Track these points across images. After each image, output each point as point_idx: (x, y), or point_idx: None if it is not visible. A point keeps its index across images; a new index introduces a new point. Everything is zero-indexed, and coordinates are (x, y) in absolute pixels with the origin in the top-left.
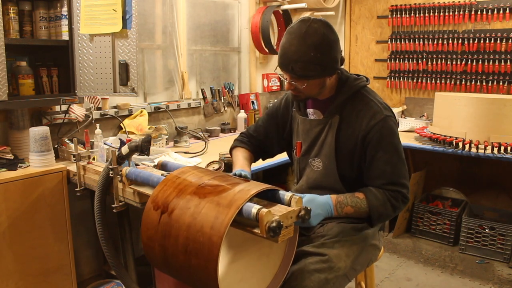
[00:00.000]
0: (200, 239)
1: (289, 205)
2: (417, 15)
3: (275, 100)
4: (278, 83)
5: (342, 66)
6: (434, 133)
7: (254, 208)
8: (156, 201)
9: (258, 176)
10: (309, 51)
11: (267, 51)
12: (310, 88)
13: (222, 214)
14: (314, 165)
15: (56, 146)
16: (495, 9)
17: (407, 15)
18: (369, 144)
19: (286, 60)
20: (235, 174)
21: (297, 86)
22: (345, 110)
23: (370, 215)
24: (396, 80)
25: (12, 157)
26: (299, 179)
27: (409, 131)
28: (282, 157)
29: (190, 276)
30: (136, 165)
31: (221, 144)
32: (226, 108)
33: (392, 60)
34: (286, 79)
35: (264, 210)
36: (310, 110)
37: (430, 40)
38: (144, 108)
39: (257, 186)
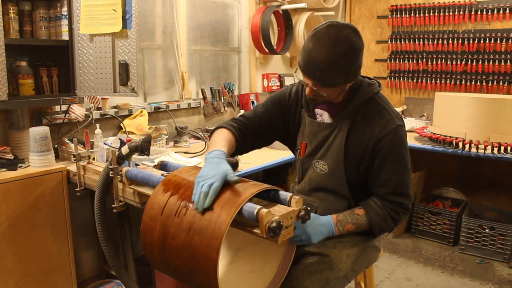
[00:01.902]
0: (200, 240)
1: (289, 205)
2: (417, 15)
3: (281, 88)
4: (278, 83)
5: None
6: (434, 133)
7: (254, 208)
8: (155, 201)
9: (258, 176)
10: (339, 60)
11: (267, 51)
12: (332, 95)
13: (221, 214)
14: (317, 167)
15: (56, 146)
16: (495, 9)
17: (407, 15)
18: (379, 152)
19: (313, 67)
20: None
21: (318, 92)
22: (356, 116)
23: (371, 230)
24: (396, 80)
25: (12, 157)
26: (300, 180)
27: (409, 131)
28: (282, 157)
29: (190, 274)
30: (136, 165)
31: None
32: (226, 108)
33: (392, 60)
34: (308, 84)
35: (264, 210)
36: (318, 111)
37: (430, 40)
38: (144, 108)
39: (257, 186)
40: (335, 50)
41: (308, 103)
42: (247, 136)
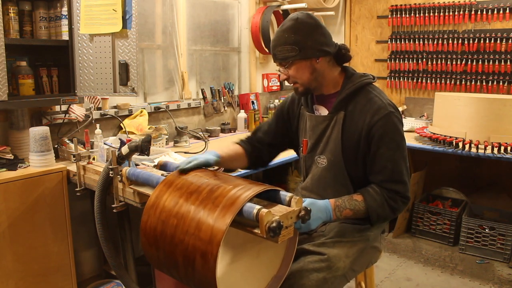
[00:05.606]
0: (201, 236)
1: (289, 205)
2: (417, 15)
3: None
4: (278, 83)
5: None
6: (434, 133)
7: (254, 208)
8: (155, 202)
9: (258, 176)
10: (284, 34)
11: (267, 51)
12: (298, 73)
13: (222, 214)
14: (319, 162)
15: (56, 146)
16: (495, 9)
17: (407, 15)
18: (372, 139)
19: (272, 51)
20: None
21: (288, 73)
22: (349, 106)
23: (368, 216)
24: (396, 80)
25: (12, 157)
26: (305, 177)
27: (409, 131)
28: (282, 157)
29: (190, 274)
30: (136, 165)
31: (221, 144)
32: (226, 108)
33: (392, 60)
34: (279, 70)
35: (264, 210)
36: (316, 106)
37: (430, 40)
38: (144, 108)
39: (257, 186)
40: (281, 28)
41: (307, 100)
42: (258, 147)
